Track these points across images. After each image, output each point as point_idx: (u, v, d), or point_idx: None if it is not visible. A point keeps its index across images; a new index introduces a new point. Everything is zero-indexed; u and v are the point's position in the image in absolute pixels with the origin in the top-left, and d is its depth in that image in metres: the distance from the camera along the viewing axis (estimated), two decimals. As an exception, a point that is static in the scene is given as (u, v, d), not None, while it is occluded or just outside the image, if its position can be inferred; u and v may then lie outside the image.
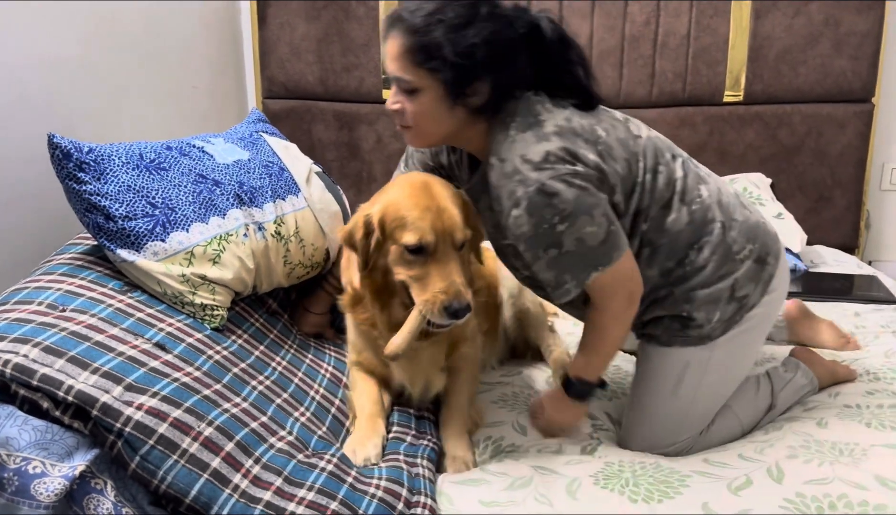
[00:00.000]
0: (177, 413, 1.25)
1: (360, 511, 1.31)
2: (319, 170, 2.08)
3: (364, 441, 1.55)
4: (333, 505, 1.29)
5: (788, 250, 2.84)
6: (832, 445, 1.55)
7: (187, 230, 1.59)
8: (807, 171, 3.26)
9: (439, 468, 1.58)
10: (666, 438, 1.65)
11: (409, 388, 1.71)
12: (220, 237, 1.64)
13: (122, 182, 1.55)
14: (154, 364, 1.33)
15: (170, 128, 2.53)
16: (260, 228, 1.74)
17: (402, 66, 1.46)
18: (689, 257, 1.57)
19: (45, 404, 1.18)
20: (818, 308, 2.45)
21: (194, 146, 1.78)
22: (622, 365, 2.08)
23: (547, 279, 1.49)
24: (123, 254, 1.51)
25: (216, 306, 1.60)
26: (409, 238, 1.48)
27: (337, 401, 1.74)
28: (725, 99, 3.21)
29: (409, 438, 1.62)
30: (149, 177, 1.60)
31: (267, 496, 1.26)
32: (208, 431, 1.27)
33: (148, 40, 2.44)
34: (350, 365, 1.80)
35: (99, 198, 1.51)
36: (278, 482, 1.30)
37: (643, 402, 1.67)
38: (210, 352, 1.50)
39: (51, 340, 1.25)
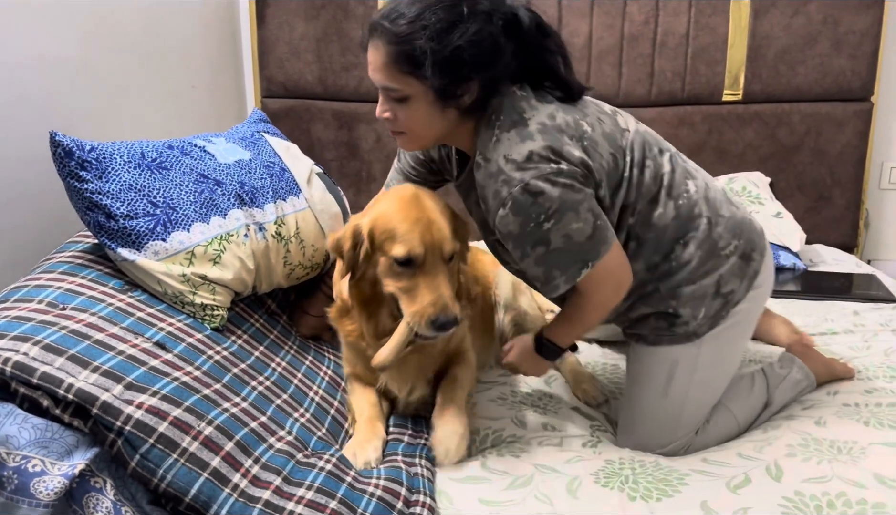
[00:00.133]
0: (177, 412, 1.25)
1: (360, 510, 1.31)
2: (320, 170, 2.08)
3: (364, 444, 1.55)
4: (332, 504, 1.29)
5: (787, 249, 2.85)
6: (831, 443, 1.55)
7: (188, 230, 1.59)
8: (806, 170, 3.26)
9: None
10: (661, 438, 1.65)
11: (394, 392, 1.70)
12: (221, 237, 1.64)
13: (124, 181, 1.55)
14: (154, 363, 1.33)
15: (169, 128, 2.53)
16: (261, 229, 1.74)
17: (388, 76, 1.45)
18: (675, 252, 1.57)
19: (45, 402, 1.18)
20: (818, 307, 2.45)
21: (196, 145, 1.78)
22: (621, 364, 2.08)
23: (536, 275, 1.50)
24: (124, 253, 1.51)
25: (216, 306, 1.60)
26: (398, 250, 1.48)
27: (336, 403, 1.74)
28: (724, 98, 3.21)
29: (406, 438, 1.62)
30: (150, 176, 1.60)
31: (266, 495, 1.26)
32: (208, 430, 1.27)
33: (147, 40, 2.44)
34: (346, 375, 1.81)
35: (100, 196, 1.51)
36: (277, 481, 1.30)
37: (636, 403, 1.68)
38: (210, 352, 1.50)
39: (51, 338, 1.25)
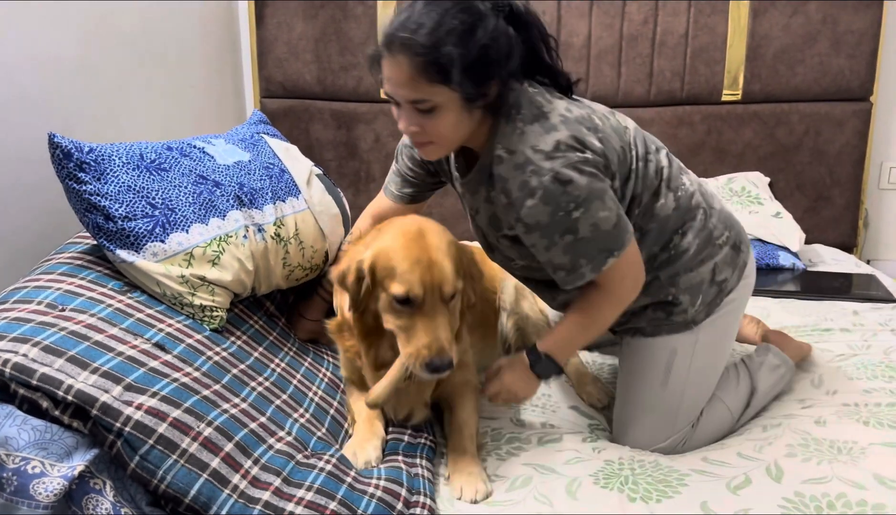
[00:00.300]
0: (176, 413, 1.25)
1: (360, 511, 1.31)
2: (320, 172, 2.08)
3: (364, 443, 1.55)
4: (332, 505, 1.29)
5: (787, 249, 2.85)
6: (831, 443, 1.55)
7: (187, 231, 1.59)
8: (805, 170, 3.26)
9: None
10: (660, 432, 1.66)
11: (390, 415, 1.69)
12: (220, 238, 1.63)
13: (123, 182, 1.54)
14: (153, 364, 1.33)
15: (168, 128, 2.53)
16: (260, 230, 1.74)
17: (416, 88, 1.41)
18: (674, 241, 1.61)
19: (45, 403, 1.17)
20: (817, 307, 2.46)
21: (195, 147, 1.78)
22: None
23: (562, 263, 1.49)
24: (123, 254, 1.51)
25: (215, 307, 1.60)
26: (397, 289, 1.47)
27: (335, 403, 1.74)
28: (724, 98, 3.21)
29: (406, 437, 1.62)
30: (149, 177, 1.60)
31: (266, 496, 1.26)
32: (208, 431, 1.27)
33: (146, 40, 2.44)
34: (345, 378, 1.81)
35: (99, 198, 1.50)
36: (277, 482, 1.30)
37: (634, 398, 1.68)
38: (209, 353, 1.50)
39: (50, 340, 1.25)
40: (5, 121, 1.74)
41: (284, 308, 1.97)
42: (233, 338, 1.63)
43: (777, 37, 3.13)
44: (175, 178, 1.64)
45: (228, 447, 1.28)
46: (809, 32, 3.12)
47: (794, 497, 1.37)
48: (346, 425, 1.69)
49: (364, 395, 1.69)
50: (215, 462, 1.24)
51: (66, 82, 1.99)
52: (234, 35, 3.27)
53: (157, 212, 1.56)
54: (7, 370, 1.17)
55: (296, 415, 1.56)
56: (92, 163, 1.52)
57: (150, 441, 1.19)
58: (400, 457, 1.53)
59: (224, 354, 1.54)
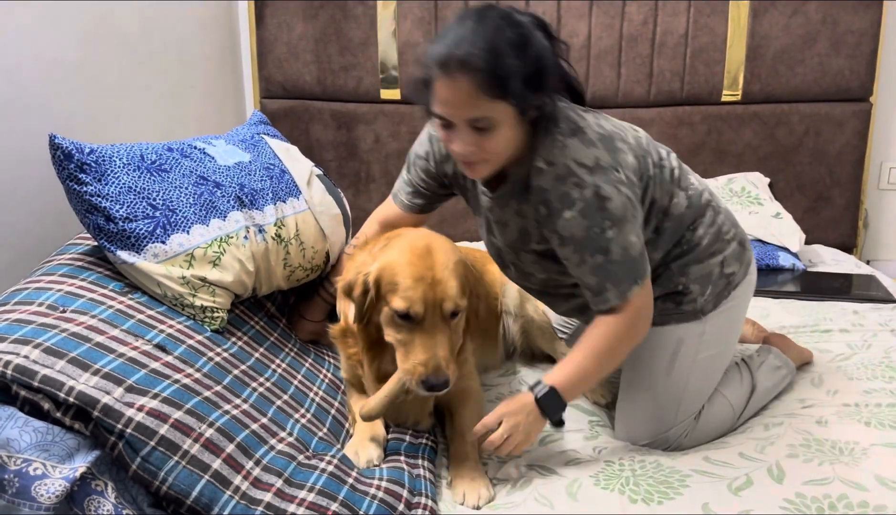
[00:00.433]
0: (177, 414, 1.25)
1: (361, 513, 1.31)
2: (320, 172, 2.08)
3: (366, 443, 1.55)
4: (334, 507, 1.29)
5: (787, 249, 2.85)
6: (832, 444, 1.55)
7: (188, 232, 1.59)
8: (805, 171, 3.26)
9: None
10: (663, 421, 1.66)
11: (392, 424, 1.68)
12: (221, 239, 1.63)
13: (123, 183, 1.54)
14: (155, 365, 1.33)
15: (167, 129, 2.53)
16: (260, 231, 1.74)
17: (477, 106, 1.39)
18: (686, 236, 1.64)
19: (46, 405, 1.17)
20: (817, 307, 2.46)
21: (195, 147, 1.78)
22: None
23: (589, 283, 1.50)
24: (124, 255, 1.51)
25: (216, 308, 1.59)
26: (398, 304, 1.48)
27: (336, 404, 1.74)
28: (723, 98, 3.21)
29: (408, 437, 1.62)
30: (150, 178, 1.60)
31: (267, 497, 1.26)
32: (209, 432, 1.27)
33: (146, 41, 2.44)
34: (345, 380, 1.81)
35: (100, 199, 1.50)
36: (279, 483, 1.30)
37: (638, 385, 1.69)
38: (210, 354, 1.49)
39: (51, 341, 1.25)
40: (6, 122, 1.74)
41: (285, 309, 1.97)
42: (233, 339, 1.63)
43: (777, 37, 3.13)
44: (176, 179, 1.64)
45: (230, 448, 1.28)
46: (809, 33, 3.12)
47: (795, 499, 1.37)
48: (346, 425, 1.69)
49: (364, 396, 1.70)
50: (217, 464, 1.24)
51: (67, 83, 1.99)
52: (234, 35, 3.27)
53: (157, 213, 1.56)
54: (8, 372, 1.17)
55: (297, 416, 1.56)
56: (93, 165, 1.52)
57: (152, 443, 1.19)
58: (402, 458, 1.54)
59: (225, 355, 1.54)
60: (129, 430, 1.17)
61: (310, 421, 1.58)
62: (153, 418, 1.21)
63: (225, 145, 1.88)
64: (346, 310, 1.68)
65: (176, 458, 1.20)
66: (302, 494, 1.30)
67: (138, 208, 1.54)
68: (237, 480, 1.25)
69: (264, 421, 1.43)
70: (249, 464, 1.30)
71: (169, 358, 1.38)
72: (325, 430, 1.60)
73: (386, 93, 3.23)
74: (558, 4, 3.11)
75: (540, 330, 2.10)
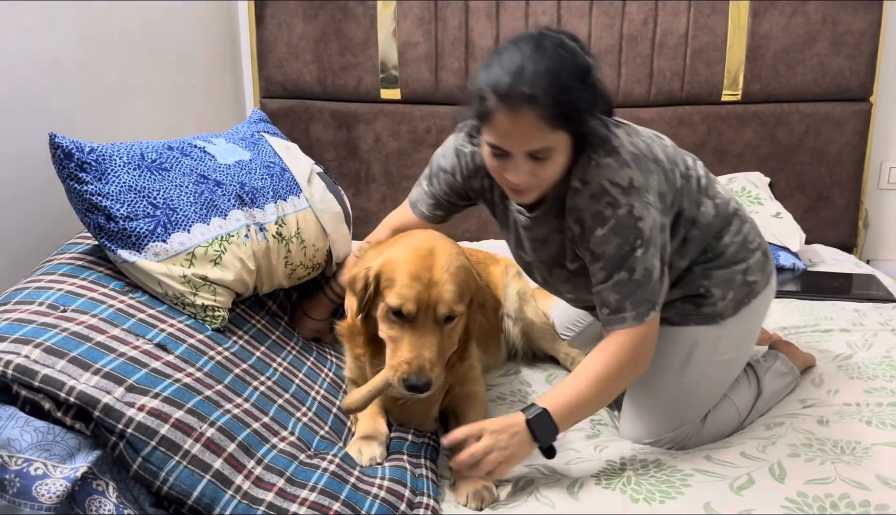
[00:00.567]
0: (178, 414, 1.25)
1: (363, 512, 1.31)
2: (321, 170, 2.07)
3: (369, 440, 1.55)
4: (336, 506, 1.29)
5: (787, 249, 2.85)
6: (834, 443, 1.55)
7: (188, 231, 1.58)
8: (805, 170, 3.26)
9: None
10: (670, 421, 1.66)
11: (395, 425, 1.68)
12: (222, 238, 1.63)
13: (124, 182, 1.54)
14: (155, 365, 1.33)
15: (167, 128, 2.53)
16: (261, 229, 1.74)
17: (539, 138, 1.39)
18: (711, 244, 1.65)
19: (47, 405, 1.17)
20: (817, 307, 2.45)
21: (196, 146, 1.78)
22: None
23: (608, 301, 1.50)
24: (124, 254, 1.51)
25: (217, 307, 1.59)
26: (392, 300, 1.49)
27: (338, 402, 1.74)
28: (723, 98, 3.21)
29: (410, 436, 1.62)
30: (150, 177, 1.59)
31: (269, 497, 1.25)
32: (210, 432, 1.27)
33: (146, 40, 2.43)
34: (348, 379, 1.81)
35: (100, 198, 1.50)
36: (280, 483, 1.30)
37: (648, 383, 1.68)
38: (211, 353, 1.49)
39: (52, 341, 1.25)
40: (6, 122, 1.74)
41: (287, 307, 1.97)
42: (234, 338, 1.62)
43: (777, 37, 3.13)
44: (176, 178, 1.64)
45: (231, 447, 1.28)
46: (809, 33, 3.12)
47: (797, 498, 1.37)
48: (348, 423, 1.69)
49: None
50: (218, 463, 1.24)
51: (67, 83, 1.98)
52: (234, 35, 3.27)
53: (158, 212, 1.56)
54: (9, 371, 1.17)
55: (298, 415, 1.56)
56: (93, 163, 1.52)
57: (153, 443, 1.18)
58: (404, 457, 1.53)
59: (226, 354, 1.53)
60: (129, 430, 1.17)
61: (311, 419, 1.58)
62: (154, 418, 1.20)
63: (225, 144, 1.88)
64: (352, 307, 1.68)
65: (177, 458, 1.20)
66: (304, 493, 1.30)
67: (139, 207, 1.53)
68: (238, 480, 1.25)
69: (266, 420, 1.43)
70: (251, 464, 1.29)
71: (170, 358, 1.38)
72: (326, 429, 1.60)
73: (386, 93, 3.22)
74: (558, 4, 3.11)
75: (540, 332, 2.11)
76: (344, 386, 1.82)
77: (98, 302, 1.42)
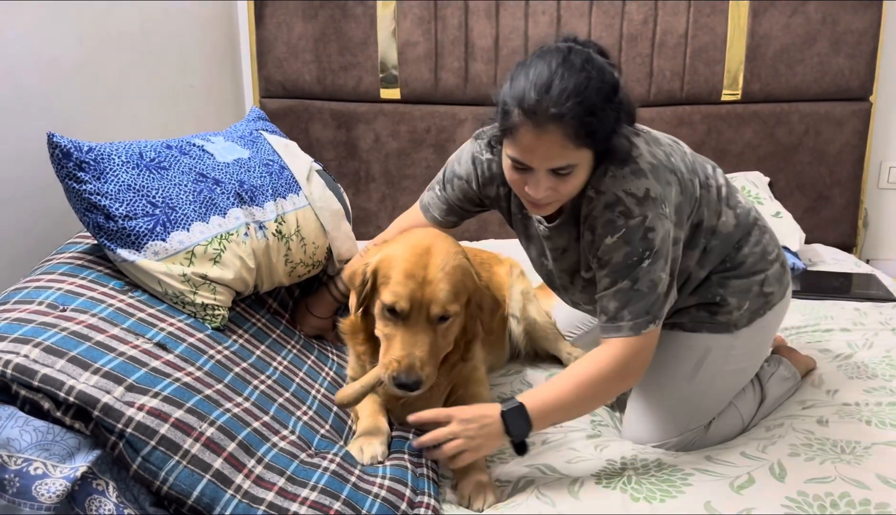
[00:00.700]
0: (178, 413, 1.24)
1: (364, 511, 1.31)
2: (320, 167, 2.07)
3: (371, 439, 1.55)
4: (336, 505, 1.29)
5: (787, 249, 2.85)
6: (833, 443, 1.55)
7: (188, 229, 1.58)
8: (805, 170, 3.26)
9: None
10: (675, 426, 1.66)
11: (396, 424, 1.68)
12: (221, 236, 1.63)
13: (122, 181, 1.54)
14: (155, 364, 1.32)
15: (167, 128, 2.52)
16: (261, 227, 1.74)
17: (563, 156, 1.38)
18: (730, 254, 1.64)
19: (46, 405, 1.17)
20: (817, 306, 2.46)
21: (194, 145, 1.78)
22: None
23: (607, 308, 1.49)
24: (124, 253, 1.51)
25: (217, 306, 1.59)
26: (386, 297, 1.49)
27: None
28: (723, 97, 3.21)
29: (411, 436, 1.61)
30: (149, 176, 1.59)
31: (270, 496, 1.25)
32: (210, 431, 1.27)
33: (145, 40, 2.43)
34: (349, 378, 1.80)
35: (99, 197, 1.50)
36: (281, 482, 1.30)
37: (656, 387, 1.68)
38: (211, 352, 1.49)
39: (51, 340, 1.24)
40: (5, 122, 1.74)
41: (288, 305, 1.97)
42: (234, 337, 1.62)
43: (777, 37, 3.13)
44: (175, 177, 1.64)
45: (231, 447, 1.28)
46: (809, 32, 3.12)
47: (797, 497, 1.37)
48: (349, 422, 1.69)
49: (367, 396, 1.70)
50: (218, 463, 1.23)
51: (66, 82, 1.98)
52: (233, 35, 3.27)
53: (157, 211, 1.55)
54: (8, 371, 1.17)
55: (299, 413, 1.55)
56: (91, 163, 1.51)
57: (152, 443, 1.18)
58: (405, 456, 1.53)
59: (226, 353, 1.53)
60: (129, 430, 1.17)
61: (312, 418, 1.58)
62: (154, 417, 1.20)
63: (224, 142, 1.87)
64: (353, 303, 1.68)
65: (177, 458, 1.19)
66: (304, 493, 1.29)
67: (138, 206, 1.53)
68: (239, 479, 1.24)
69: (266, 418, 1.43)
70: (251, 463, 1.29)
71: (169, 357, 1.37)
72: (327, 428, 1.59)
73: (386, 93, 3.22)
74: (558, 4, 3.11)
75: (543, 332, 2.11)
76: (345, 385, 1.81)
77: (97, 302, 1.42)
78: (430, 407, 1.63)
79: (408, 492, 1.40)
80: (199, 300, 1.56)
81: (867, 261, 3.45)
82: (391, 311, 1.49)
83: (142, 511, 1.18)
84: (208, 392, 1.35)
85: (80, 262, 1.55)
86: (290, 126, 3.22)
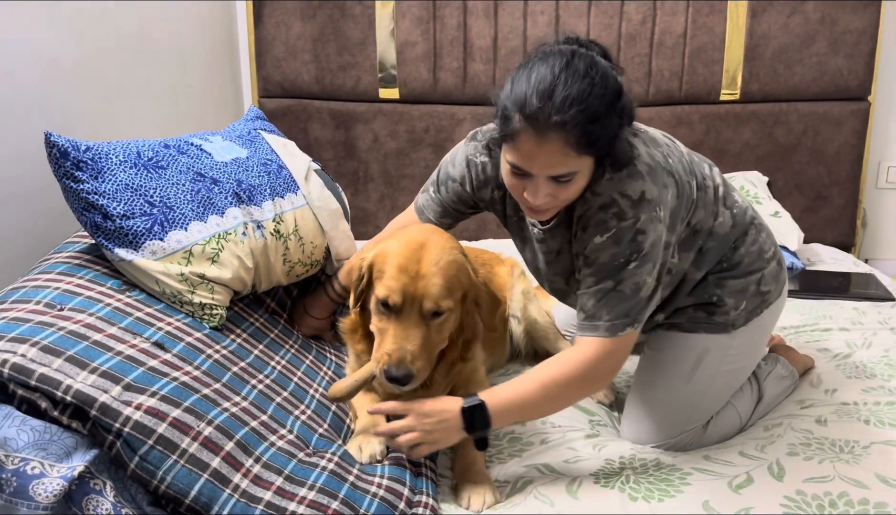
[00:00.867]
0: (176, 412, 1.24)
1: (362, 511, 1.31)
2: (318, 167, 2.07)
3: (369, 438, 1.54)
4: (335, 505, 1.29)
5: (786, 248, 2.85)
6: (832, 442, 1.55)
7: (186, 229, 1.58)
8: (803, 170, 3.26)
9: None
10: (673, 427, 1.66)
11: None
12: (219, 236, 1.63)
13: (120, 180, 1.54)
14: (153, 363, 1.32)
15: (166, 128, 2.52)
16: (259, 227, 1.74)
17: (563, 164, 1.36)
18: (727, 255, 1.64)
19: (44, 404, 1.17)
20: (816, 306, 2.45)
21: (192, 144, 1.77)
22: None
23: (586, 305, 1.48)
24: (121, 253, 1.50)
25: (215, 305, 1.59)
26: (379, 291, 1.49)
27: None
28: (722, 97, 3.21)
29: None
30: (147, 175, 1.59)
31: (268, 495, 1.25)
32: (208, 430, 1.26)
33: (144, 40, 2.43)
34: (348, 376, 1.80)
35: (96, 196, 1.50)
36: (279, 481, 1.29)
37: (654, 387, 1.68)
38: (209, 351, 1.49)
39: (49, 339, 1.24)
40: (4, 122, 1.73)
41: (286, 305, 1.97)
42: (232, 336, 1.62)
43: (775, 36, 3.14)
44: (173, 176, 1.63)
45: (229, 446, 1.28)
46: (808, 32, 3.13)
47: (795, 496, 1.37)
48: (347, 421, 1.68)
49: (366, 394, 1.69)
50: (216, 462, 1.23)
51: (64, 81, 1.98)
52: (232, 35, 3.27)
53: (155, 210, 1.55)
54: (6, 370, 1.16)
55: (297, 413, 1.55)
56: (89, 162, 1.51)
57: (150, 442, 1.18)
58: (404, 455, 1.53)
59: (224, 352, 1.53)
60: (126, 429, 1.17)
61: (310, 417, 1.58)
62: (151, 416, 1.20)
63: (222, 141, 1.87)
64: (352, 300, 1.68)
65: (174, 457, 1.19)
66: (302, 492, 1.29)
67: (135, 205, 1.53)
68: (236, 478, 1.24)
69: (264, 418, 1.43)
70: (249, 462, 1.29)
71: (167, 356, 1.37)
72: (325, 427, 1.59)
73: (384, 93, 3.22)
74: (557, 4, 3.11)
75: (544, 332, 2.11)
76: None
77: (95, 301, 1.42)
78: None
79: (406, 492, 1.40)
80: (196, 299, 1.56)
81: (866, 261, 3.46)
82: (384, 305, 1.48)
83: (139, 511, 1.18)
84: (206, 391, 1.35)
85: (77, 262, 1.54)
86: (289, 126, 3.22)
